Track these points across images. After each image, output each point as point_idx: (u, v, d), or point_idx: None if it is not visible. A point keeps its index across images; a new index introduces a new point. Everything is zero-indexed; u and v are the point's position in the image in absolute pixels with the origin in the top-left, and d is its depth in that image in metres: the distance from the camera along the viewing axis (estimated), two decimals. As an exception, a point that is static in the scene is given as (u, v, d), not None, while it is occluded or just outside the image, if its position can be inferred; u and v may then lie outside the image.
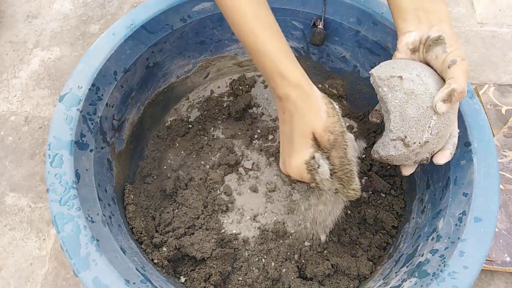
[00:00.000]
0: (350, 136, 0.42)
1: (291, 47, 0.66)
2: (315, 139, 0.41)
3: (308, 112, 0.40)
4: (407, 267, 0.46)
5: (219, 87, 0.71)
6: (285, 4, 0.59)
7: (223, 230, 0.59)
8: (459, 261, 0.40)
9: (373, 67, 0.59)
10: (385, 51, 0.55)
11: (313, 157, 0.40)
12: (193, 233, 0.57)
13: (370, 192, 0.61)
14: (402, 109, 0.41)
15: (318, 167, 0.40)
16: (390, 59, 0.55)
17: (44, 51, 0.82)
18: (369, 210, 0.58)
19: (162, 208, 0.59)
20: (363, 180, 0.62)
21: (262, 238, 0.58)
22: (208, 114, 0.69)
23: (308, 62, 0.68)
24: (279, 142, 0.66)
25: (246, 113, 0.69)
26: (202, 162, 0.64)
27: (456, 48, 0.40)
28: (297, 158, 0.41)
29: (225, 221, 0.60)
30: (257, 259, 0.57)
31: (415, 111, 0.40)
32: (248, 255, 0.57)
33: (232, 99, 0.69)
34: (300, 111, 0.40)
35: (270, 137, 0.67)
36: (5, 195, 0.67)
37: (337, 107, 0.42)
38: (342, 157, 0.40)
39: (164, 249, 0.54)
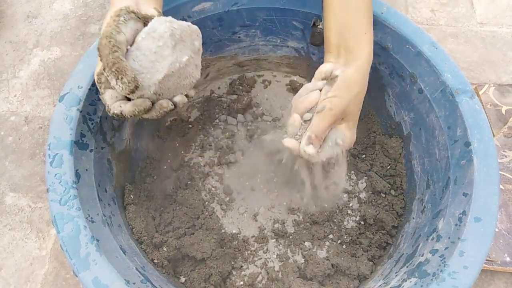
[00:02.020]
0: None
1: (291, 47, 0.66)
2: None
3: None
4: (407, 267, 0.46)
5: (219, 88, 0.71)
6: (285, 4, 0.59)
7: (223, 230, 0.59)
8: (459, 261, 0.40)
9: (373, 67, 0.59)
10: (385, 51, 0.55)
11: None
12: (193, 233, 0.57)
13: (370, 192, 0.61)
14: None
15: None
16: (390, 59, 0.56)
17: (44, 51, 0.82)
18: (369, 210, 0.58)
19: (162, 208, 0.59)
20: (363, 180, 0.62)
21: (262, 238, 0.58)
22: (208, 114, 0.69)
23: (308, 62, 0.68)
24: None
25: (246, 113, 0.69)
26: (202, 162, 0.64)
27: (336, 95, 0.42)
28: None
29: (225, 221, 0.60)
30: (257, 259, 0.57)
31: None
32: (248, 255, 0.57)
33: (232, 99, 0.69)
34: None
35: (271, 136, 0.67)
36: (5, 195, 0.67)
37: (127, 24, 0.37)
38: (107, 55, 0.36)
39: (164, 249, 0.54)
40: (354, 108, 0.44)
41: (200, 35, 0.42)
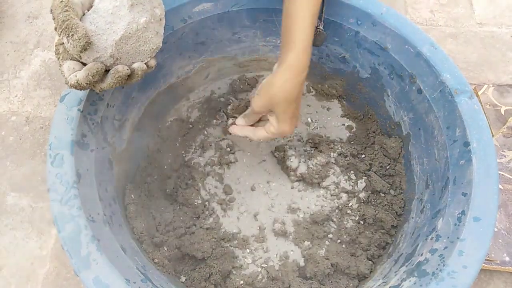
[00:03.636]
0: None
1: (291, 47, 0.66)
2: None
3: None
4: (406, 266, 0.46)
5: (219, 88, 0.71)
6: (285, 5, 0.59)
7: (223, 229, 0.59)
8: (458, 261, 0.40)
9: (372, 68, 0.60)
10: (384, 51, 0.56)
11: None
12: (193, 233, 0.57)
13: (370, 192, 0.61)
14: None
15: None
16: (389, 59, 0.56)
17: (45, 52, 0.83)
18: (368, 210, 0.59)
19: (162, 208, 0.59)
20: (362, 180, 0.62)
21: (262, 237, 0.59)
22: (209, 114, 0.69)
23: (308, 62, 0.68)
24: (279, 142, 0.67)
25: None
26: (202, 162, 0.65)
27: (258, 93, 0.49)
28: None
29: (225, 221, 0.60)
30: (257, 258, 0.57)
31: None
32: (248, 254, 0.58)
33: (232, 99, 0.70)
34: None
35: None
36: (6, 195, 0.67)
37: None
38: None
39: (165, 248, 0.54)
40: (278, 104, 0.48)
41: (162, 5, 0.41)
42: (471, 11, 0.87)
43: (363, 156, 0.64)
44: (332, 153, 0.64)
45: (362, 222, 0.60)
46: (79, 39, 0.35)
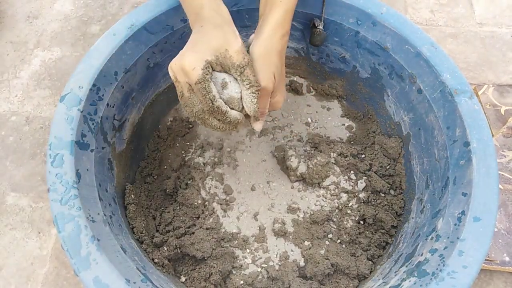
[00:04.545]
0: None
1: (291, 47, 0.66)
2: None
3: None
4: (406, 266, 0.46)
5: (219, 87, 0.71)
6: (285, 5, 0.59)
7: (223, 229, 0.59)
8: (458, 261, 0.40)
9: (372, 68, 0.60)
10: (384, 51, 0.56)
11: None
12: (193, 233, 0.57)
13: (370, 192, 0.61)
14: None
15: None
16: (389, 59, 0.56)
17: (45, 52, 0.83)
18: (368, 210, 0.59)
19: (162, 208, 0.59)
20: (362, 180, 0.62)
21: (262, 237, 0.59)
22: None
23: (308, 62, 0.68)
24: (279, 142, 0.67)
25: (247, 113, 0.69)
26: (202, 162, 0.65)
27: (256, 70, 0.45)
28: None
29: (225, 220, 0.60)
30: (257, 258, 0.57)
31: None
32: (248, 254, 0.58)
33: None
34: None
35: (271, 136, 0.67)
36: (6, 195, 0.67)
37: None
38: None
39: (165, 248, 0.54)
40: (278, 74, 0.47)
41: None
42: (471, 11, 0.87)
43: (363, 156, 0.64)
44: (332, 153, 0.64)
45: (362, 222, 0.59)
46: (232, 122, 0.46)
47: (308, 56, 0.67)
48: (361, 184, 0.62)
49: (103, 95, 0.50)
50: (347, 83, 0.67)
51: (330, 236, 0.59)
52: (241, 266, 0.56)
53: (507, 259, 0.59)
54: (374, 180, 0.61)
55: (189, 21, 0.47)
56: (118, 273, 0.39)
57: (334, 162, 0.64)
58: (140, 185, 0.60)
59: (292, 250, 0.58)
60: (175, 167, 0.63)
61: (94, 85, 0.49)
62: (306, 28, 0.61)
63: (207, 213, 0.60)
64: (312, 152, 0.64)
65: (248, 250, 0.58)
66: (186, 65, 0.42)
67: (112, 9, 0.88)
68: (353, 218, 0.60)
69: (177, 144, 0.66)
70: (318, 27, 0.59)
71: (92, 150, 0.48)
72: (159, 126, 0.67)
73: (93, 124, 0.49)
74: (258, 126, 0.50)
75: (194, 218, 0.59)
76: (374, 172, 0.62)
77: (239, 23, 0.61)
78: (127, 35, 0.52)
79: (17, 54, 0.83)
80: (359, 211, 0.60)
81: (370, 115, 0.66)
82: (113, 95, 0.52)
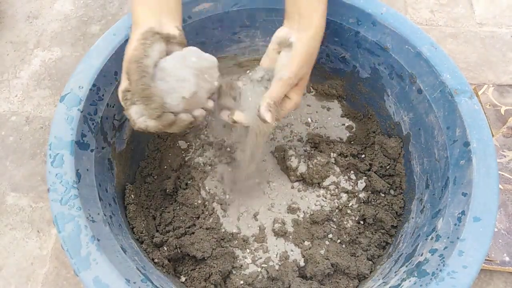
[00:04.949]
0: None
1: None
2: None
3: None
4: (406, 266, 0.46)
5: (219, 87, 0.71)
6: (285, 5, 0.59)
7: (223, 229, 0.59)
8: (458, 261, 0.40)
9: (372, 68, 0.60)
10: (385, 52, 0.56)
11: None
12: (193, 233, 0.57)
13: (370, 192, 0.61)
14: None
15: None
16: (389, 59, 0.56)
17: (45, 52, 0.83)
18: (368, 210, 0.59)
19: (162, 208, 0.59)
20: (362, 180, 0.62)
21: (262, 237, 0.59)
22: (208, 114, 0.69)
23: (308, 62, 0.68)
24: (279, 142, 0.67)
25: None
26: (202, 162, 0.65)
27: (294, 64, 0.44)
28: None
29: (225, 220, 0.60)
30: (257, 258, 0.57)
31: None
32: (248, 254, 0.58)
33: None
34: None
35: (270, 136, 0.67)
36: (6, 195, 0.67)
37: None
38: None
39: (165, 248, 0.54)
40: (306, 75, 0.46)
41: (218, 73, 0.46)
42: (471, 11, 0.87)
43: (363, 156, 0.64)
44: (332, 153, 0.64)
45: (362, 222, 0.60)
46: (156, 109, 0.39)
47: (308, 56, 0.67)
48: (361, 184, 0.62)
49: (103, 95, 0.50)
50: (347, 83, 0.67)
51: (330, 236, 0.59)
52: (241, 266, 0.56)
53: (507, 259, 0.59)
54: (374, 180, 0.61)
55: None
56: (118, 273, 0.39)
57: (334, 162, 0.64)
58: (140, 185, 0.60)
59: (292, 250, 0.58)
60: (175, 167, 0.63)
61: (94, 85, 0.49)
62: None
63: (207, 213, 0.60)
64: (312, 152, 0.64)
65: (248, 250, 0.58)
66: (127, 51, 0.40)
67: (112, 9, 0.88)
68: (353, 218, 0.60)
69: (177, 144, 0.66)
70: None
71: (92, 150, 0.48)
72: (159, 126, 0.67)
73: (93, 124, 0.49)
74: (268, 116, 0.44)
75: (194, 218, 0.59)
76: (374, 172, 0.62)
77: (239, 23, 0.61)
78: (127, 35, 0.52)
79: (17, 54, 0.83)
80: (359, 211, 0.60)
81: (370, 115, 0.66)
82: (113, 95, 0.52)
